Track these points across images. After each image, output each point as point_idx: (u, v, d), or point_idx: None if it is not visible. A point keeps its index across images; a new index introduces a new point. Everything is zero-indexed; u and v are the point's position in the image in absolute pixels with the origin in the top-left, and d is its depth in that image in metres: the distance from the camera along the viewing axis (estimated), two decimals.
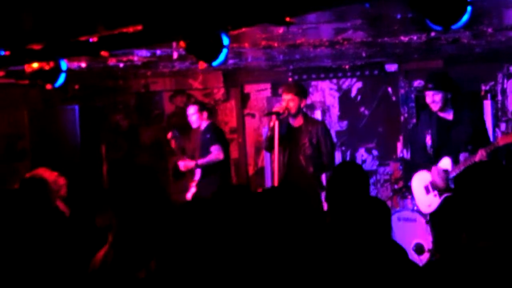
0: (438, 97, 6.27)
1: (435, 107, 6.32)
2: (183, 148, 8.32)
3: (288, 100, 6.67)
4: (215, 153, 7.93)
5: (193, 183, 8.08)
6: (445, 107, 6.33)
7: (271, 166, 6.85)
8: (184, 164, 8.08)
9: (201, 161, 7.98)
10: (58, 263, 4.11)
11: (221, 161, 7.93)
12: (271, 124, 6.64)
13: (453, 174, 6.16)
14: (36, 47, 5.06)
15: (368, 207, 3.42)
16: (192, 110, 8.19)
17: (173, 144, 8.19)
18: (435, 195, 6.36)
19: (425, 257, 7.08)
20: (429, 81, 6.38)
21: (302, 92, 6.76)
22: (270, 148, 6.68)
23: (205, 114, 8.16)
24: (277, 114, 6.63)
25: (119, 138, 10.38)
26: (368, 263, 3.26)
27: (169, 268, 3.10)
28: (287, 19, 4.04)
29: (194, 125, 8.22)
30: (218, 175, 7.92)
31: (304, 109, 6.94)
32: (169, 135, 8.21)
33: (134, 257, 3.38)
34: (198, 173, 8.08)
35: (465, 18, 3.79)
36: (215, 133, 8.05)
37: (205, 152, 8.00)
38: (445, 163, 6.29)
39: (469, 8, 3.79)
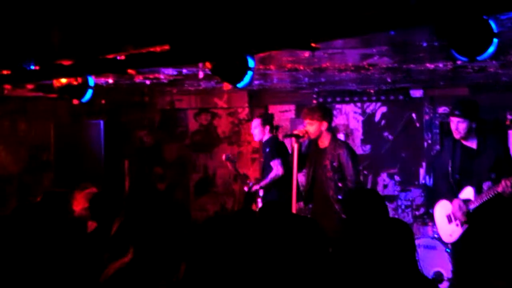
0: (462, 125, 6.19)
1: (457, 135, 6.25)
2: (245, 174, 8.42)
3: (308, 124, 6.67)
4: (275, 168, 7.91)
5: (259, 199, 8.10)
6: (468, 135, 6.25)
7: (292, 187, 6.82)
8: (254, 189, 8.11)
9: (263, 183, 8.00)
10: (75, 275, 4.14)
11: (282, 175, 7.91)
12: (293, 145, 6.66)
13: (473, 206, 6.08)
14: (65, 63, 5.15)
15: (388, 230, 3.39)
16: (255, 123, 8.20)
17: (229, 166, 8.26)
18: (457, 225, 6.29)
19: (444, 286, 7.02)
20: (456, 107, 6.29)
21: (323, 116, 6.69)
22: (298, 169, 6.67)
23: (267, 128, 8.17)
24: (297, 136, 6.63)
25: (143, 154, 10.46)
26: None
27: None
28: (313, 44, 4.07)
29: (256, 138, 8.24)
30: (277, 189, 7.91)
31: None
32: (223, 157, 8.31)
33: (155, 270, 3.41)
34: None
35: (491, 49, 3.79)
36: (274, 147, 8.00)
37: (267, 166, 8.02)
38: (468, 192, 6.22)
39: (495, 40, 3.79)
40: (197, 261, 3.19)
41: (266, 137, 8.09)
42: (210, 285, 3.09)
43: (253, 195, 8.02)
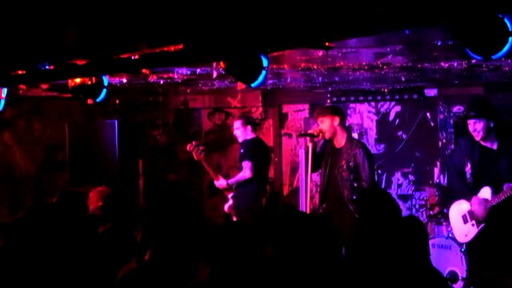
0: (479, 125, 6.13)
1: (478, 137, 6.18)
2: (217, 164, 8.38)
3: (321, 123, 6.67)
4: (244, 170, 7.97)
5: (229, 195, 8.14)
6: (488, 136, 6.17)
7: (305, 186, 6.80)
8: (218, 184, 8.16)
9: (230, 181, 8.11)
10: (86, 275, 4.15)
11: (249, 178, 7.94)
12: (307, 145, 6.65)
13: (490, 205, 6.06)
14: (80, 62, 5.17)
15: (401, 228, 3.39)
16: (237, 124, 8.23)
17: (195, 156, 8.18)
18: (472, 225, 6.26)
19: (459, 286, 6.99)
20: (470, 109, 6.25)
21: (334, 111, 6.70)
22: (312, 169, 6.65)
23: (249, 128, 8.17)
24: (312, 135, 6.62)
25: (157, 154, 10.49)
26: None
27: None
28: (326, 43, 4.07)
29: (240, 139, 8.25)
30: (250, 188, 7.94)
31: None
32: (188, 147, 8.15)
33: (173, 271, 3.42)
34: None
35: (506, 48, 3.77)
36: (248, 149, 8.06)
37: (240, 166, 8.08)
38: (485, 192, 6.18)
39: (510, 39, 3.76)
40: (218, 260, 3.21)
41: (249, 137, 8.11)
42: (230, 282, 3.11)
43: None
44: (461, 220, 6.39)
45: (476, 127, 6.13)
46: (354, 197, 6.51)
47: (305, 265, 3.12)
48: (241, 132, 8.17)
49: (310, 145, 6.59)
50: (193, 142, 8.16)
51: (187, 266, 3.39)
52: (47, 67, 5.38)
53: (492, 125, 6.13)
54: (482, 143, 6.23)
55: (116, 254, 4.40)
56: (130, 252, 4.08)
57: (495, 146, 6.21)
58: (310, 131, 6.77)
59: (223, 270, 3.21)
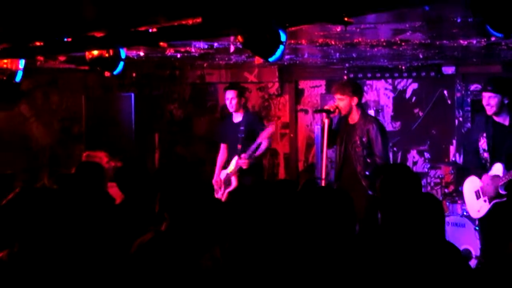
0: (494, 100, 6.20)
1: (490, 111, 6.25)
2: None
3: (338, 100, 6.66)
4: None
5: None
6: (501, 111, 6.25)
7: (320, 162, 6.81)
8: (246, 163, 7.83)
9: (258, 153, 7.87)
10: (105, 246, 4.19)
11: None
12: (323, 121, 6.65)
13: (503, 181, 6.09)
14: (98, 34, 5.17)
15: (421, 206, 3.41)
16: (232, 94, 8.03)
17: None
18: (484, 201, 6.30)
19: (473, 263, 7.01)
20: (488, 83, 6.31)
21: (354, 91, 6.68)
22: (328, 145, 6.65)
23: (243, 100, 8.12)
24: (328, 112, 6.62)
25: (173, 127, 10.51)
26: (422, 262, 3.26)
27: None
28: (346, 19, 4.04)
29: (232, 110, 8.07)
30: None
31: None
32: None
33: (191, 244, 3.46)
34: None
35: None
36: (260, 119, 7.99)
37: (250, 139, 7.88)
38: (497, 168, 6.22)
39: None
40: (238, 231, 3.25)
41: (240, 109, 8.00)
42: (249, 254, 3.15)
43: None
44: (474, 195, 6.42)
45: (490, 102, 6.20)
46: (367, 173, 6.52)
47: (321, 239, 3.14)
48: (236, 102, 7.99)
49: (326, 121, 6.59)
50: None
51: (202, 236, 3.43)
52: (65, 39, 5.39)
53: (506, 101, 6.19)
54: (495, 118, 6.29)
55: (132, 225, 4.45)
56: (147, 223, 4.12)
57: (507, 122, 6.26)
58: (326, 107, 6.78)
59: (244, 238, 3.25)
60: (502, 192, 6.11)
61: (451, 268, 3.27)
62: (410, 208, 3.39)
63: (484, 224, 6.49)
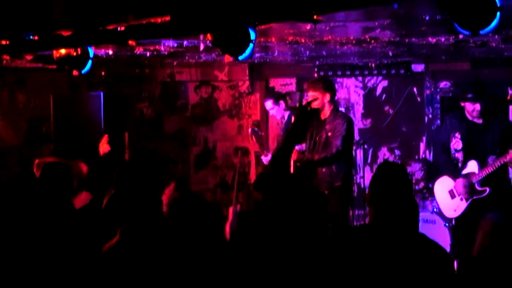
0: (478, 107, 6.38)
1: (475, 115, 6.36)
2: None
3: (311, 97, 6.66)
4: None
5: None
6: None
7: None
8: (266, 159, 8.26)
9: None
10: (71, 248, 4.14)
11: None
12: (293, 118, 6.67)
13: (477, 178, 6.16)
14: (65, 33, 5.11)
15: (407, 206, 3.44)
16: (269, 105, 8.39)
17: (253, 139, 8.54)
18: (461, 199, 6.36)
19: None
20: (468, 91, 6.43)
21: (326, 88, 6.68)
22: (298, 141, 6.68)
23: (282, 103, 8.28)
24: (304, 106, 6.65)
25: (143, 126, 10.44)
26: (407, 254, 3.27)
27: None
28: (315, 17, 4.04)
29: (278, 117, 8.43)
30: None
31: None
32: (249, 130, 8.58)
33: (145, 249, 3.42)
34: None
35: (494, 23, 3.77)
36: None
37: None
38: (472, 166, 6.29)
39: (498, 14, 3.76)
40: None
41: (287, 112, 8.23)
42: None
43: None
44: (447, 195, 6.46)
45: (475, 107, 6.32)
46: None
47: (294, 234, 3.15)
48: (276, 110, 8.30)
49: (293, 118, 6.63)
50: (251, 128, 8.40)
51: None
52: (31, 37, 5.32)
53: (484, 104, 6.31)
54: (470, 118, 6.35)
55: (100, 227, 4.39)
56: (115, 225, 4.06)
57: (480, 121, 6.33)
58: (297, 105, 6.78)
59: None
60: (478, 188, 6.18)
61: (433, 259, 3.30)
62: (401, 205, 3.41)
63: (462, 222, 6.51)
